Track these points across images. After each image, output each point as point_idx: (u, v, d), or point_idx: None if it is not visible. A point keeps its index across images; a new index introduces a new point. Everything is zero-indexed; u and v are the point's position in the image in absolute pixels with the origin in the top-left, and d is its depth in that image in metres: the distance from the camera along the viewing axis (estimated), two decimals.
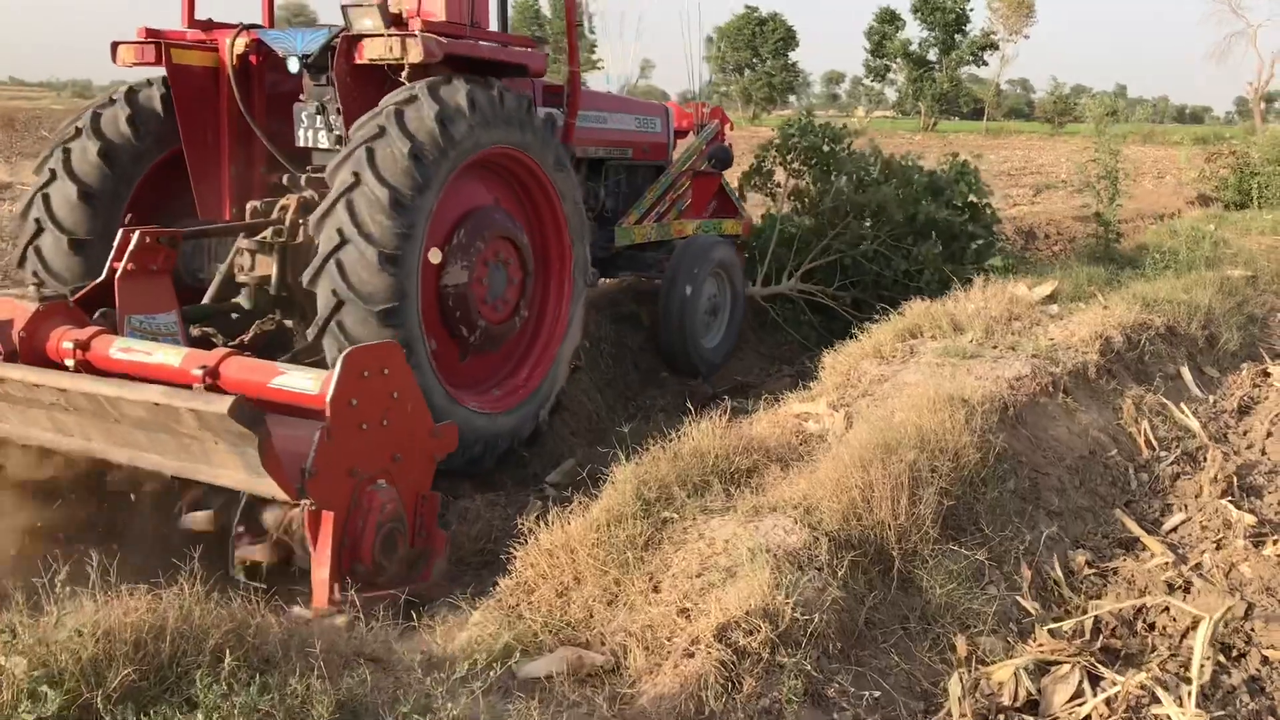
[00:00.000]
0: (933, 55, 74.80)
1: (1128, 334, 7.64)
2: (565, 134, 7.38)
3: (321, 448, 3.98)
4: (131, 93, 6.61)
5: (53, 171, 6.30)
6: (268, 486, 3.99)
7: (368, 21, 5.86)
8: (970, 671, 4.02)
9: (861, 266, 9.95)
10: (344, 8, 5.96)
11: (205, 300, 6.23)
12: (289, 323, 6.30)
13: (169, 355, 4.62)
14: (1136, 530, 5.60)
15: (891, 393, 5.99)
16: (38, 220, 6.23)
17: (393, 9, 6.13)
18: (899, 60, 77.14)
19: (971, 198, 10.61)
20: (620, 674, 3.55)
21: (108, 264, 5.31)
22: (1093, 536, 5.54)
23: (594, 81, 7.93)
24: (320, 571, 4.07)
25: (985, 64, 76.12)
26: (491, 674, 3.28)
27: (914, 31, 75.40)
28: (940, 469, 4.76)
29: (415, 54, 5.69)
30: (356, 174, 5.40)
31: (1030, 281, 8.79)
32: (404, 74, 5.84)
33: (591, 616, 3.94)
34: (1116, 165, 11.37)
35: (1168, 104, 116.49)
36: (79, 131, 6.41)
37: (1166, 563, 5.06)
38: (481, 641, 3.78)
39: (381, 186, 5.37)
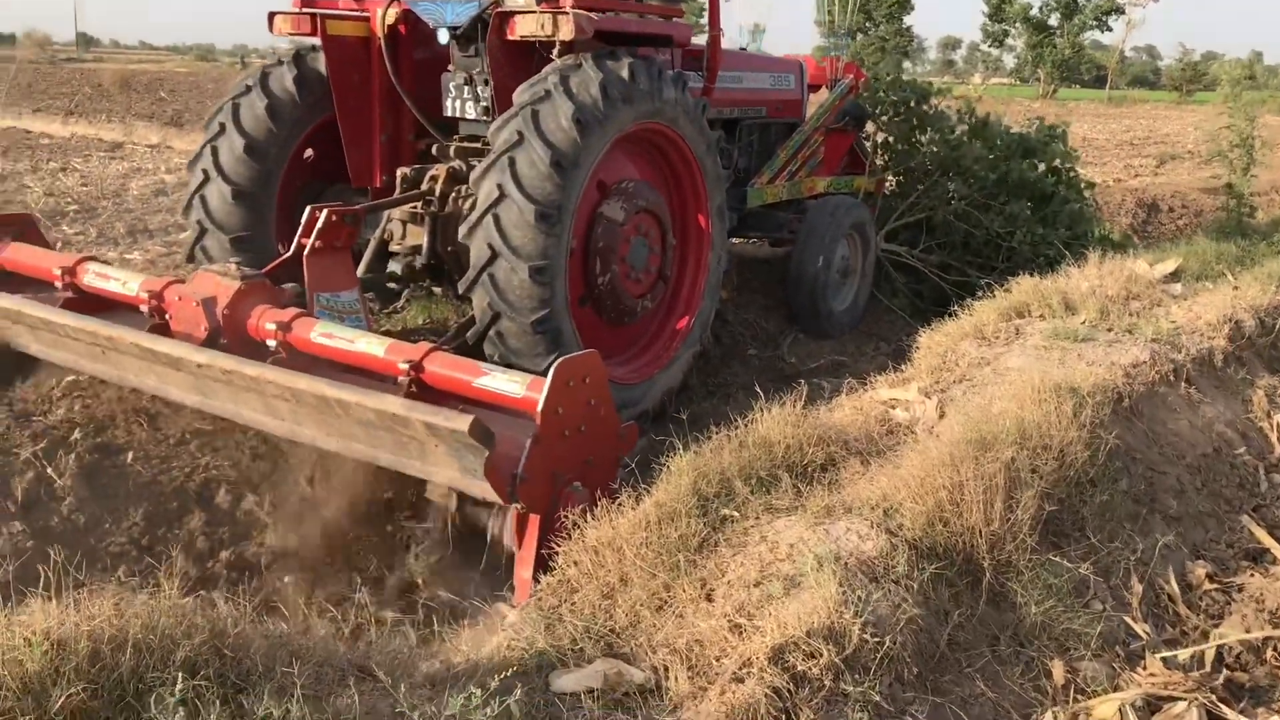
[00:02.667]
0: (1054, 20, 72.16)
1: (1260, 317, 6.91)
2: (705, 99, 7.18)
3: (531, 454, 4.10)
4: (299, 56, 6.78)
5: (222, 125, 6.53)
6: (480, 488, 4.13)
7: None
8: (1069, 704, 3.52)
9: (950, 227, 9.62)
10: None
11: (359, 270, 6.37)
12: (438, 290, 6.62)
13: (372, 345, 4.71)
14: (1266, 540, 5.00)
15: (992, 379, 5.43)
16: (205, 170, 6.46)
17: None
18: (1018, 25, 74.61)
19: (1057, 162, 10.18)
20: (661, 695, 3.13)
21: (295, 240, 5.47)
22: (1215, 546, 4.95)
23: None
24: (524, 570, 4.15)
25: (1109, 29, 73.16)
26: (517, 692, 2.89)
27: None
28: (1041, 469, 4.22)
29: (567, 31, 5.72)
30: (520, 133, 5.52)
31: (1151, 258, 8.07)
32: (555, 50, 5.91)
33: (638, 623, 3.52)
34: (1252, 132, 10.47)
35: None
36: (249, 89, 6.63)
37: None
38: (514, 648, 3.41)
39: (544, 147, 5.47)
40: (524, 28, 5.88)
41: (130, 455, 5.08)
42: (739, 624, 3.24)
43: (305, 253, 5.37)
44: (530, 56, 6.07)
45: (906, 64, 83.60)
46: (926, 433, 4.74)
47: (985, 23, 77.69)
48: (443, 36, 6.41)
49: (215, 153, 6.48)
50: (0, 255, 5.74)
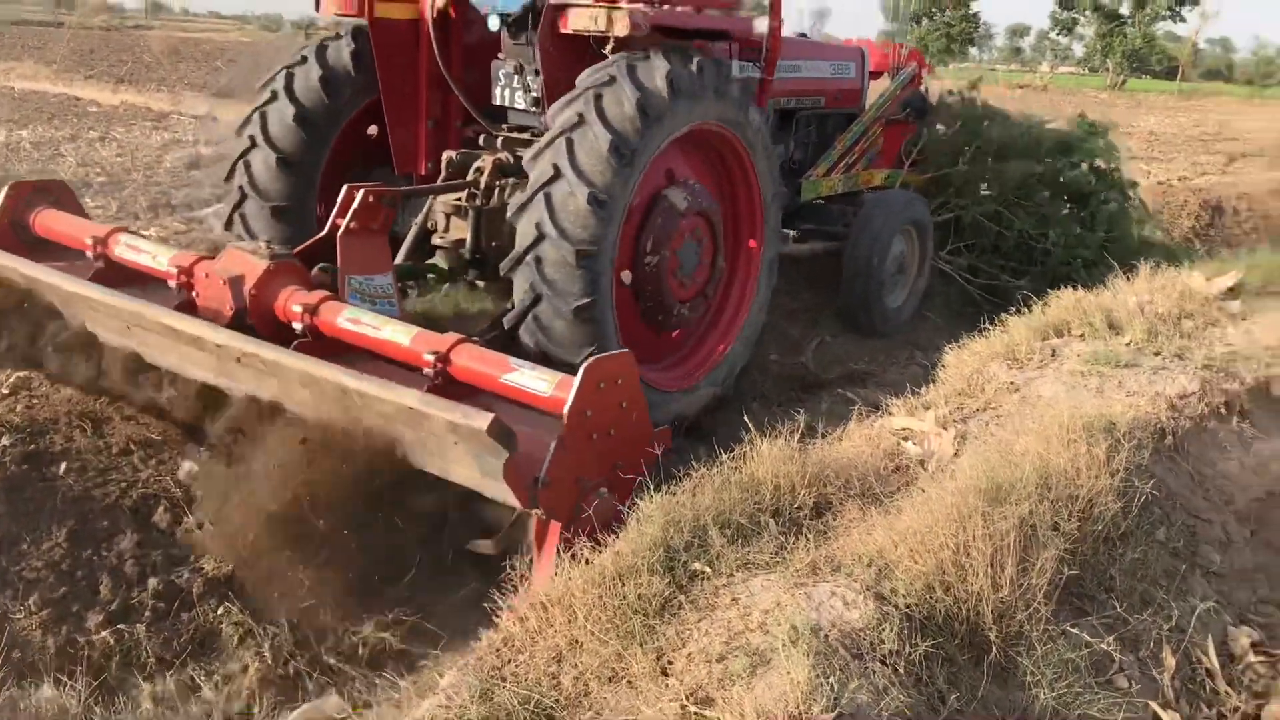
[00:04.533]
0: (1125, 9, 70.27)
1: None
2: (761, 92, 6.99)
3: (555, 458, 3.92)
4: (358, 31, 6.58)
5: (274, 92, 6.41)
6: (500, 490, 3.96)
7: None
8: None
9: (980, 228, 9.10)
10: None
11: (399, 259, 6.23)
12: (480, 284, 6.44)
13: (398, 333, 4.60)
14: None
15: (1020, 408, 4.93)
16: (252, 136, 6.34)
17: None
18: (1088, 13, 72.79)
19: (1099, 162, 9.64)
20: None
21: (330, 220, 5.34)
22: (1263, 608, 4.43)
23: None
24: (543, 579, 3.83)
25: (1183, 20, 71.11)
26: None
27: None
28: (1064, 525, 3.73)
29: (621, 27, 5.56)
30: (581, 115, 5.39)
31: (1209, 270, 7.47)
32: (609, 46, 5.74)
33: (586, 695, 3.09)
34: None
35: None
36: (305, 59, 6.51)
37: None
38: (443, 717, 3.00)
39: (605, 131, 5.32)
40: (577, 22, 5.72)
41: (64, 466, 4.73)
42: (690, 711, 2.80)
43: (340, 233, 5.22)
44: (583, 50, 5.89)
45: (973, 50, 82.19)
46: (941, 470, 4.25)
47: (1054, 10, 75.95)
48: (494, 23, 6.26)
49: (264, 119, 6.36)
50: (35, 221, 5.67)
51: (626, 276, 5.89)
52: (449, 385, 4.40)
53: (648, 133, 5.49)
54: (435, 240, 6.47)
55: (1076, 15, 74.63)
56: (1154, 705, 3.47)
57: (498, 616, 3.38)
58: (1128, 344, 5.81)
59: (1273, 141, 22.64)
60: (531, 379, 4.23)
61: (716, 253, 6.39)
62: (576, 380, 3.98)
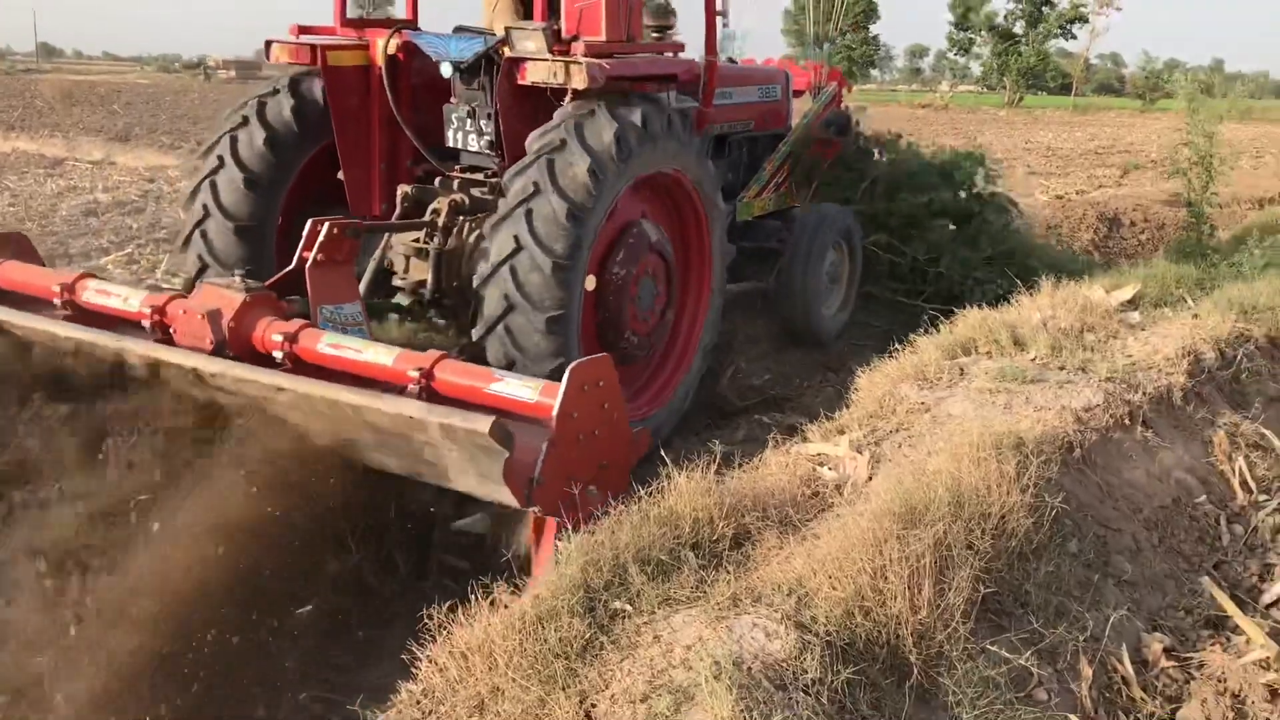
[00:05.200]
0: (1019, 28, 72.28)
1: (1221, 348, 6.51)
2: (700, 122, 7.22)
3: (548, 457, 4.13)
4: (294, 83, 6.75)
5: (220, 159, 6.51)
6: (498, 493, 4.13)
7: (530, 44, 6.00)
8: None
9: (874, 257, 9.42)
10: (508, 29, 6.12)
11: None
12: (441, 322, 6.64)
13: (380, 354, 4.70)
14: (1228, 605, 4.56)
15: (931, 428, 5.00)
16: (205, 205, 6.46)
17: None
18: (984, 33, 74.76)
19: (978, 186, 10.01)
20: None
21: (297, 254, 5.44)
22: (1173, 613, 4.52)
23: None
24: (542, 574, 4.02)
25: (1074, 37, 73.35)
26: None
27: (1000, 3, 73.01)
28: (978, 545, 3.78)
29: (579, 81, 5.76)
30: (536, 184, 5.62)
31: (1109, 283, 7.68)
32: (567, 97, 5.98)
33: None
34: (1211, 149, 10.11)
35: (1268, 79, 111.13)
36: (245, 120, 6.60)
37: (1267, 658, 4.03)
38: None
39: (561, 199, 5.56)
40: (535, 74, 5.93)
41: None
42: None
43: (308, 266, 5.34)
44: (539, 96, 6.13)
45: (874, 72, 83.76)
46: (856, 494, 4.29)
47: (951, 30, 77.87)
48: (446, 70, 6.44)
49: (214, 188, 6.48)
50: None
51: (590, 282, 6.01)
52: (434, 400, 4.47)
53: (601, 192, 5.71)
54: (396, 281, 6.60)
55: (972, 35, 76.58)
56: (1072, 718, 3.52)
57: (416, 668, 3.31)
58: (1033, 359, 5.94)
59: (1161, 153, 23.40)
60: (517, 387, 4.41)
61: (671, 287, 6.72)
62: (563, 384, 4.18)
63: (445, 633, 3.31)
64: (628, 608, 3.38)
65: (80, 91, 42.30)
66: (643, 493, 3.94)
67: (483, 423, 3.90)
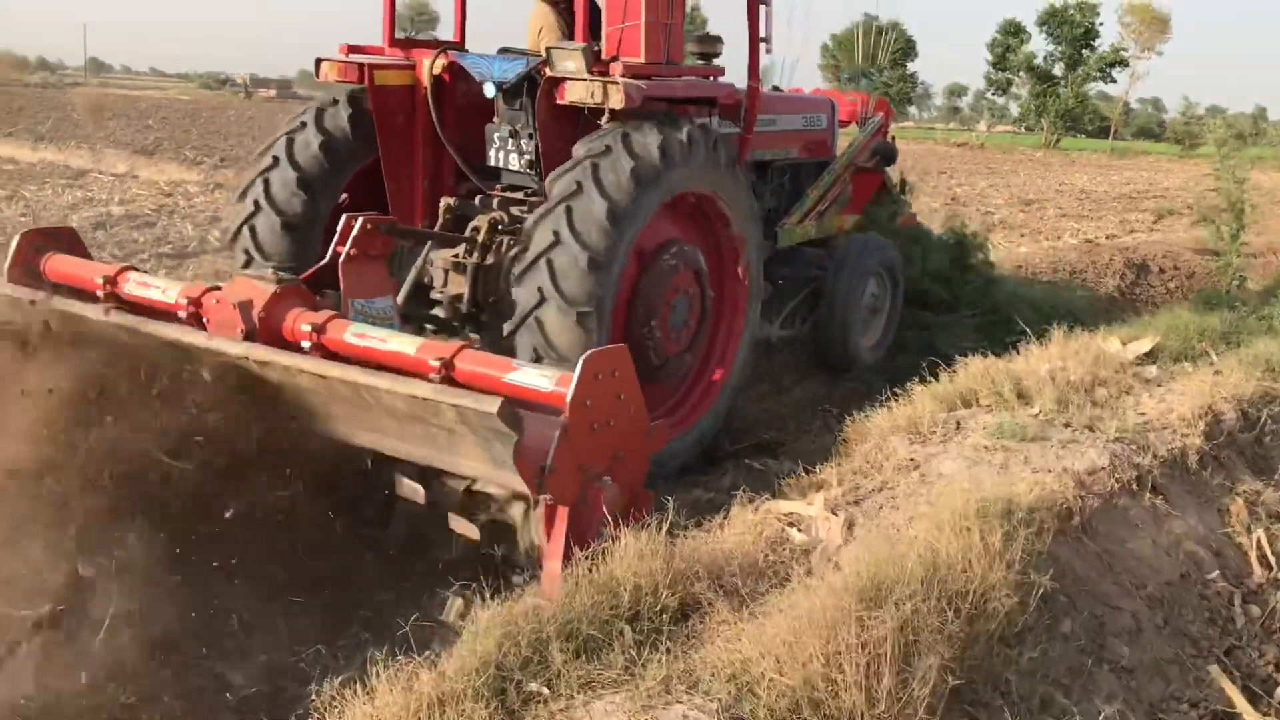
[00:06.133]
0: (1058, 70, 71.66)
1: (1243, 408, 6.08)
2: (742, 148, 7.33)
3: (560, 446, 4.15)
4: (354, 97, 6.91)
5: (275, 158, 6.71)
6: (510, 480, 4.21)
7: (570, 64, 6.09)
8: None
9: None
10: (549, 49, 6.22)
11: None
12: (475, 337, 6.62)
13: (403, 344, 4.73)
14: (1238, 701, 4.14)
15: (918, 488, 4.60)
16: (255, 201, 6.65)
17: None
18: (1022, 74, 74.09)
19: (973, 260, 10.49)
20: None
21: (331, 248, 5.50)
22: (1176, 706, 4.11)
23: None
24: (553, 564, 4.17)
25: (1114, 81, 72.52)
26: None
27: (1040, 45, 72.26)
28: (950, 630, 3.37)
29: (616, 100, 5.86)
30: (579, 183, 5.71)
31: (1125, 335, 7.25)
32: (604, 117, 6.05)
33: None
34: (1243, 196, 9.66)
35: None
36: (303, 125, 6.81)
37: None
38: None
39: (602, 198, 5.66)
40: (574, 94, 6.02)
41: None
42: None
43: (341, 260, 5.41)
44: (577, 117, 6.27)
45: (912, 109, 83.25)
46: (823, 564, 3.90)
47: (989, 70, 77.27)
48: (489, 90, 6.55)
49: (267, 184, 6.66)
50: (45, 266, 5.83)
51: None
52: (453, 388, 4.46)
53: (640, 199, 5.81)
54: (433, 295, 6.64)
55: (1011, 76, 75.93)
56: None
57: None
58: (1036, 415, 5.54)
59: (1195, 199, 22.88)
60: (534, 377, 4.40)
61: (705, 308, 6.72)
62: (576, 373, 4.19)
63: (339, 708, 2.95)
64: (544, 691, 3.00)
65: (118, 106, 42.54)
66: (581, 554, 3.57)
67: (491, 403, 3.93)
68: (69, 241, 6.05)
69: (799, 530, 4.21)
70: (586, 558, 3.56)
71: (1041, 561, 3.96)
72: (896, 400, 5.69)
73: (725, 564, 3.78)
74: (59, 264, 5.86)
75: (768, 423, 7.64)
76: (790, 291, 8.90)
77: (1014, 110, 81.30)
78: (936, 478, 4.70)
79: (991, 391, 5.76)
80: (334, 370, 4.47)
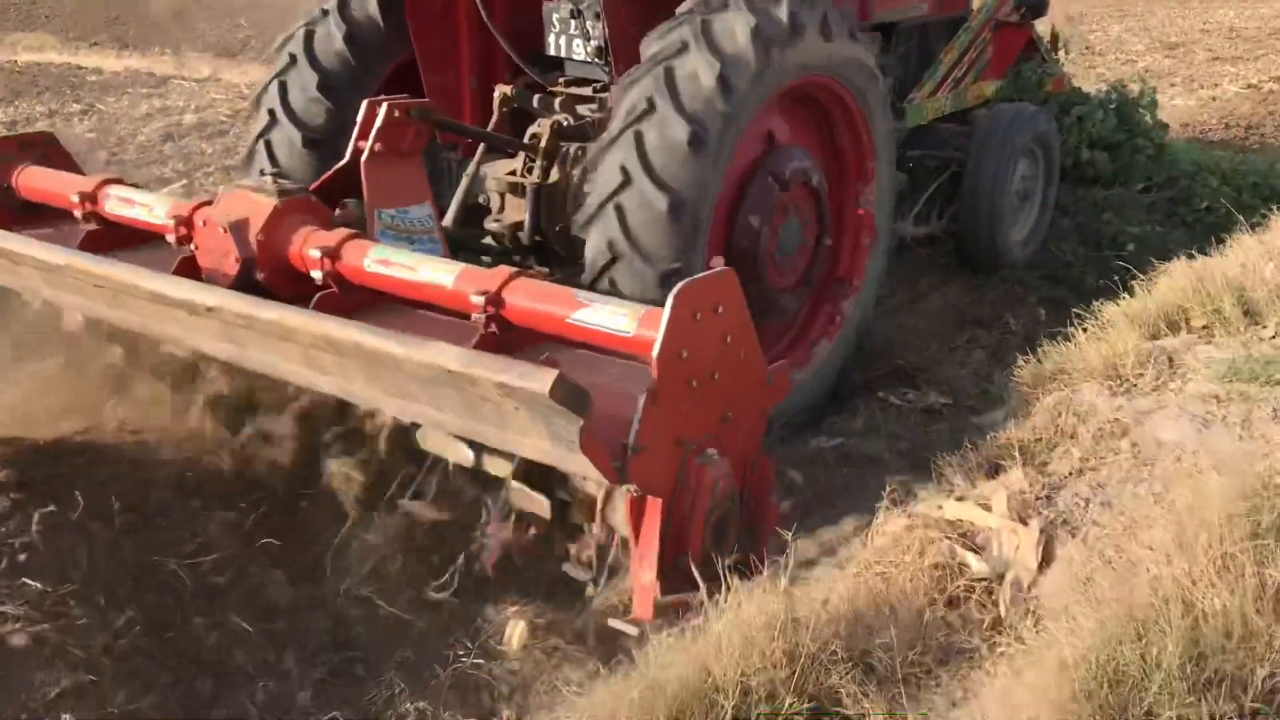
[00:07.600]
0: None
1: None
2: (861, 13, 6.14)
3: (647, 415, 3.20)
4: None
5: (292, 56, 5.58)
6: (579, 464, 3.26)
7: None
8: None
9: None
10: None
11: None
12: (545, 271, 5.49)
13: (438, 272, 3.88)
14: None
15: (1133, 470, 3.32)
16: (271, 112, 5.54)
17: None
18: None
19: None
20: None
21: (351, 144, 4.56)
22: None
23: None
24: (645, 574, 3.29)
25: None
26: None
27: None
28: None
29: None
30: (651, 99, 4.54)
31: None
32: None
33: None
34: None
35: None
36: (325, 13, 5.68)
37: None
38: None
39: (680, 119, 4.48)
40: None
41: None
42: None
43: (363, 158, 4.44)
44: None
45: None
46: (1019, 612, 2.69)
47: None
48: None
49: (284, 90, 5.53)
50: (17, 181, 5.03)
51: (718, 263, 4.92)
52: (505, 332, 3.68)
53: (733, 109, 4.61)
54: (488, 224, 5.55)
55: None
56: None
57: None
58: (1275, 339, 4.17)
59: None
60: (609, 316, 3.49)
61: (822, 232, 5.52)
62: (666, 312, 3.22)
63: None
64: None
65: (200, 6, 41.90)
66: (669, 634, 2.41)
67: (543, 380, 2.96)
68: (45, 149, 5.23)
69: (974, 552, 2.98)
70: (669, 637, 2.40)
71: None
72: (1081, 326, 4.35)
73: (874, 625, 2.58)
74: (32, 178, 5.04)
75: (904, 342, 6.32)
76: (924, 179, 7.45)
77: None
78: (1156, 449, 3.41)
79: (1207, 309, 4.38)
80: (333, 330, 3.51)
